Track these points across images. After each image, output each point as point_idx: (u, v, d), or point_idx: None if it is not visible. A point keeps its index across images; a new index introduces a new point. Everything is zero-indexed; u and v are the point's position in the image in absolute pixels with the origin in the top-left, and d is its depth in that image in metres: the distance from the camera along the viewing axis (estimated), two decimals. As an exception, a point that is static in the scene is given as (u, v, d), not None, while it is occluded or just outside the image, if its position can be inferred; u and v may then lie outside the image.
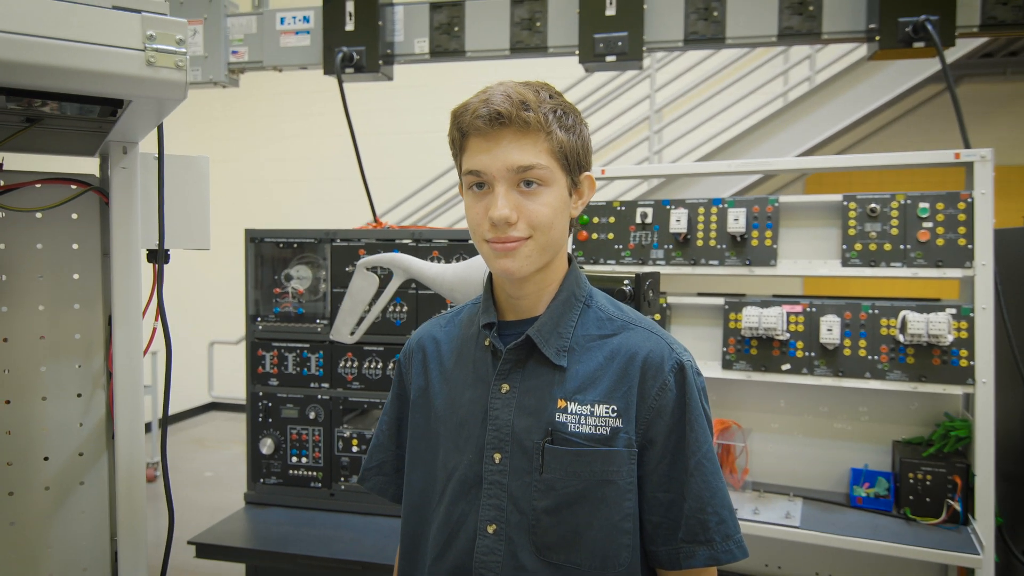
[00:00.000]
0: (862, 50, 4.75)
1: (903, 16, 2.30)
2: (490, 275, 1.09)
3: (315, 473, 2.53)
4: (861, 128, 5.28)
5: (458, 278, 1.60)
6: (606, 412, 0.97)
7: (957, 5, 2.29)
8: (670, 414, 0.99)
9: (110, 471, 1.35)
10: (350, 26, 2.68)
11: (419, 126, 6.57)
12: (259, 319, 2.57)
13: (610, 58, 2.49)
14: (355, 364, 2.49)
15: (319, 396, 2.52)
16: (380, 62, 2.72)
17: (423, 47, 2.79)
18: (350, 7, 2.68)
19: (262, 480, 2.58)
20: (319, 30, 2.76)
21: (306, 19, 2.82)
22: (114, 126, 1.01)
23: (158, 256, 1.17)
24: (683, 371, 1.00)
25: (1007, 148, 5.59)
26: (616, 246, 2.27)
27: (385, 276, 1.85)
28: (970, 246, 1.92)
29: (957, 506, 1.90)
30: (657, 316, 2.20)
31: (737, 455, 2.16)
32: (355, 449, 2.50)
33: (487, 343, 1.04)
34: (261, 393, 2.56)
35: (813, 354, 2.03)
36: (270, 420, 2.56)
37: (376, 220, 2.81)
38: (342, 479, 2.51)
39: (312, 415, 2.52)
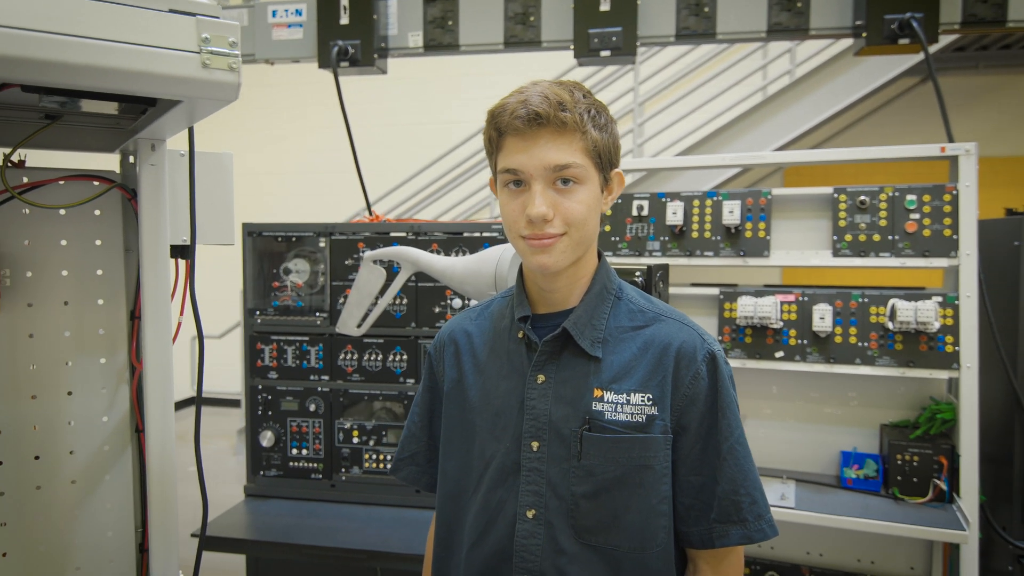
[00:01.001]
0: (840, 44, 4.86)
1: (889, 13, 2.38)
2: (521, 269, 1.13)
3: (316, 465, 2.55)
4: (838, 121, 5.38)
5: (468, 271, 1.63)
6: (642, 400, 1.01)
7: (940, 3, 2.37)
8: (703, 401, 1.03)
9: (134, 464, 1.37)
10: (345, 20, 2.69)
11: (406, 117, 6.58)
12: (257, 313, 2.58)
13: (605, 53, 2.54)
14: (355, 356, 2.52)
15: (319, 388, 2.54)
16: (375, 56, 2.73)
17: (417, 41, 2.81)
18: (345, 0, 2.69)
19: (262, 472, 2.59)
20: (312, 23, 2.76)
21: (298, 12, 2.82)
22: (149, 124, 1.03)
23: (189, 251, 1.19)
24: (715, 360, 1.05)
25: (980, 140, 5.73)
26: (613, 238, 2.32)
27: (390, 268, 1.88)
28: (955, 236, 2.00)
29: (943, 485, 1.99)
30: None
31: (732, 440, 2.22)
32: (355, 440, 2.53)
33: (520, 335, 1.08)
34: (260, 386, 2.58)
35: (805, 342, 2.10)
36: (270, 413, 2.57)
37: (372, 214, 2.83)
38: (343, 470, 2.54)
39: (312, 407, 2.54)
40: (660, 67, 5.60)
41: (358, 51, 2.70)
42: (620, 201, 2.31)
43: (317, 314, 2.54)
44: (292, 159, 7.13)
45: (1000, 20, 2.49)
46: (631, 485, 1.01)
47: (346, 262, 2.51)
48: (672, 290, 2.30)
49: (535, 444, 1.03)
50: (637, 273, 1.44)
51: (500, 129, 1.00)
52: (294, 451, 2.57)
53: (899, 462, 2.04)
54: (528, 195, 0.99)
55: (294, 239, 2.56)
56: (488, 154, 1.07)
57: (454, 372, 1.15)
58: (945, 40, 4.92)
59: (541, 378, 1.04)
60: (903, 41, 2.39)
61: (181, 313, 1.29)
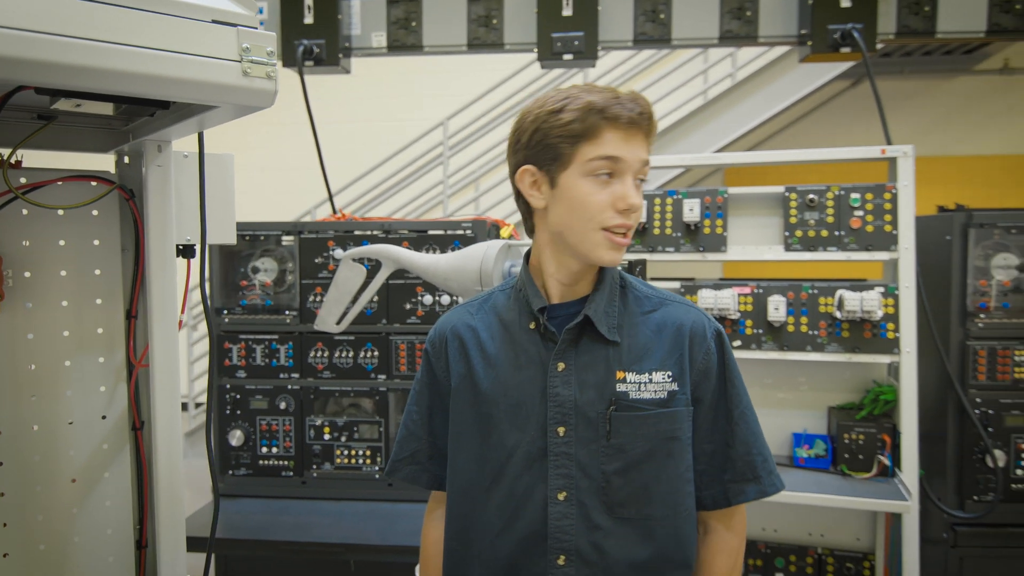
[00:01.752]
0: (778, 49, 5.09)
1: (832, 23, 2.54)
2: (527, 261, 1.18)
3: (286, 462, 2.57)
4: (776, 122, 5.64)
5: (453, 268, 1.69)
6: (663, 378, 1.10)
7: (878, 15, 2.55)
8: (715, 375, 1.14)
9: (132, 462, 1.38)
10: (309, 19, 2.70)
11: (361, 114, 6.54)
12: (225, 312, 2.57)
13: (567, 56, 2.63)
14: (326, 354, 2.54)
15: (289, 387, 2.56)
16: (339, 55, 2.75)
17: (381, 41, 2.84)
18: (309, 0, 2.70)
19: (231, 472, 2.59)
20: (275, 22, 2.76)
21: (261, 10, 2.81)
22: (161, 127, 1.06)
23: (191, 251, 1.22)
24: (721, 337, 1.17)
25: (904, 141, 6.10)
26: (579, 235, 2.41)
27: (373, 267, 1.93)
28: (895, 232, 2.17)
29: (886, 461, 2.16)
30: (619, 300, 2.36)
31: (694, 426, 2.35)
32: (327, 437, 2.55)
33: (532, 326, 1.13)
34: (228, 386, 2.57)
35: (761, 331, 2.24)
36: (238, 412, 2.57)
37: (336, 212, 2.85)
38: (314, 467, 2.56)
39: (283, 405, 2.55)
40: (608, 68, 5.75)
41: (323, 50, 2.71)
42: (585, 199, 2.40)
43: (286, 312, 2.55)
44: (245, 155, 6.99)
45: (930, 31, 2.69)
46: (660, 457, 1.09)
47: (316, 260, 2.53)
48: (635, 284, 2.41)
49: (561, 429, 1.08)
50: (619, 267, 1.53)
51: (607, 118, 1.03)
52: (264, 449, 2.58)
53: (846, 441, 2.20)
54: (619, 186, 1.04)
55: (262, 237, 2.56)
56: (555, 141, 1.05)
57: (461, 367, 1.17)
58: (880, 45, 5.21)
59: (561, 366, 1.09)
60: (844, 49, 2.57)
61: (182, 312, 1.32)
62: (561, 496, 1.07)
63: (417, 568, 1.34)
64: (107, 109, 1.11)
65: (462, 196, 6.16)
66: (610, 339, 1.10)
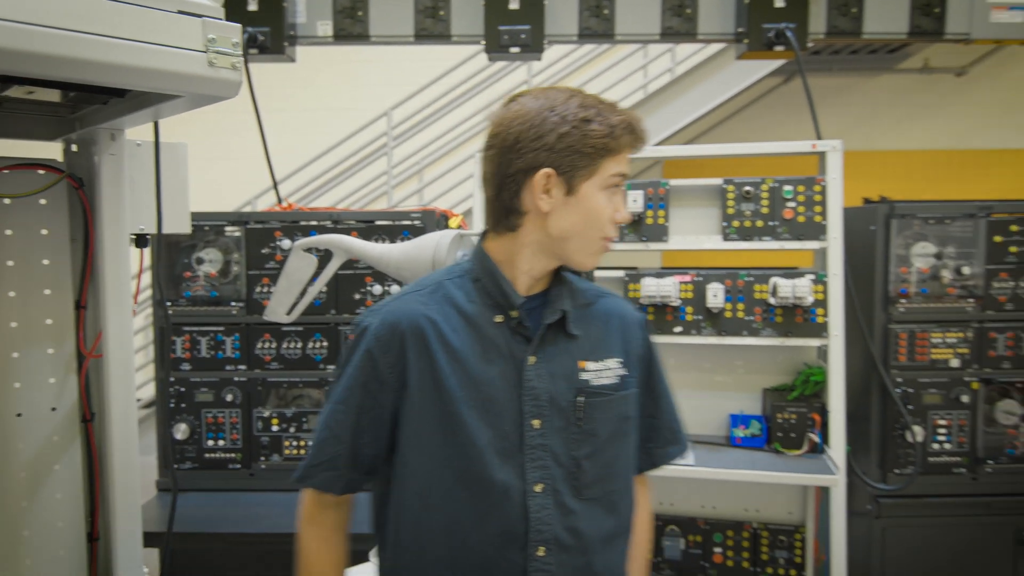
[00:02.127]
0: (715, 46, 5.25)
1: (766, 23, 2.66)
2: (486, 256, 1.17)
3: (234, 455, 2.55)
4: (713, 116, 5.81)
5: (406, 257, 1.72)
6: (615, 364, 1.18)
7: (809, 15, 2.67)
8: (648, 358, 1.26)
9: (83, 454, 1.37)
10: (253, 6, 2.66)
11: (302, 103, 6.42)
12: (168, 304, 2.53)
13: (514, 49, 2.67)
14: (273, 345, 2.53)
15: (235, 379, 2.53)
16: (284, 43, 2.72)
17: (327, 30, 2.82)
18: (252, -13, 2.66)
19: (176, 466, 2.55)
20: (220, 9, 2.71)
21: (201, -4, 2.76)
22: (116, 116, 1.05)
23: (144, 241, 1.22)
24: (647, 324, 1.28)
25: (833, 136, 6.37)
26: (526, 225, 2.46)
27: (322, 256, 1.93)
28: (824, 222, 2.30)
29: (816, 439, 2.29)
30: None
31: (638, 409, 2.44)
32: (275, 428, 2.54)
33: (499, 319, 1.14)
34: (173, 379, 2.53)
35: (700, 317, 2.34)
36: (183, 405, 2.54)
37: (281, 202, 2.83)
38: (262, 459, 2.55)
39: (229, 397, 2.53)
40: (552, 60, 5.81)
41: (268, 38, 2.68)
42: (533, 190, 2.46)
43: (232, 304, 2.53)
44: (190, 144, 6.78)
45: (857, 32, 2.84)
46: (620, 436, 1.17)
47: (262, 250, 2.51)
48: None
49: (536, 422, 1.11)
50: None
51: (638, 138, 1.12)
52: (210, 442, 2.55)
53: (779, 421, 2.33)
54: (618, 199, 1.13)
55: (205, 228, 2.52)
56: (586, 149, 1.09)
57: (422, 363, 1.12)
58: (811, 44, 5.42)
59: (533, 359, 1.13)
60: (778, 48, 2.68)
61: (135, 301, 1.31)
62: (538, 488, 1.10)
63: None
64: (57, 96, 1.10)
65: (407, 186, 6.14)
66: (572, 333, 1.16)
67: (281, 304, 1.98)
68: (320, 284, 1.95)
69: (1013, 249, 2.41)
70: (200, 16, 0.82)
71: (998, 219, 2.42)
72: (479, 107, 5.75)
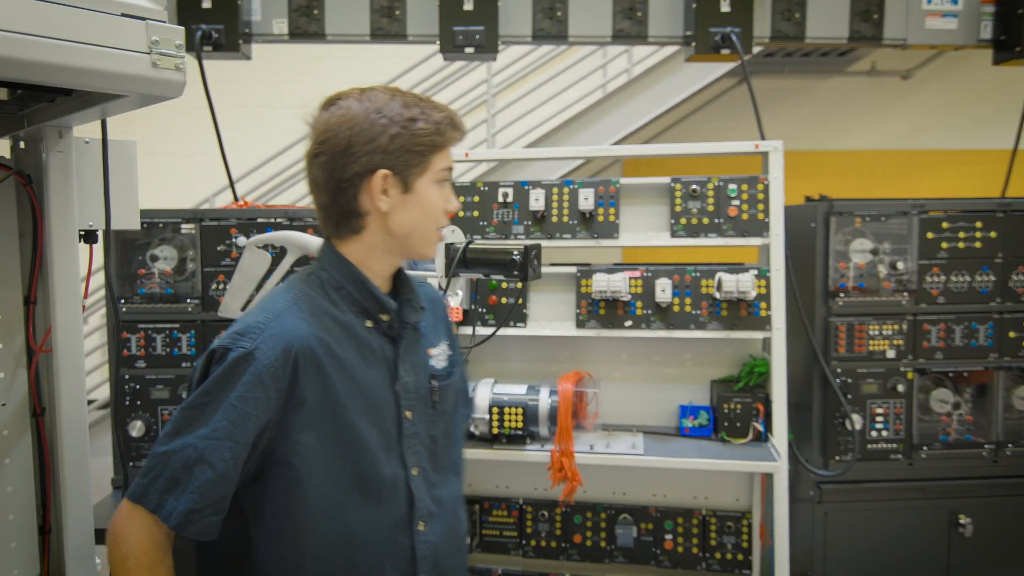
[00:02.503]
0: (671, 47, 5.36)
1: (713, 27, 2.75)
2: (347, 264, 1.19)
3: (190, 451, 2.55)
4: (670, 116, 5.93)
5: (358, 253, 1.76)
6: (445, 347, 1.32)
7: (754, 20, 2.77)
8: (454, 335, 1.42)
9: (34, 448, 1.39)
10: (207, 3, 2.67)
11: (258, 100, 6.37)
12: (122, 301, 2.52)
13: (468, 50, 2.72)
14: (230, 341, 2.53)
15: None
16: (239, 41, 2.73)
17: (282, 28, 2.84)
18: (207, -16, 2.66)
19: (132, 463, 2.54)
20: (173, 6, 2.71)
21: (155, -8, 2.75)
22: (63, 113, 1.08)
23: (93, 237, 1.24)
24: (448, 305, 1.43)
25: (784, 136, 6.53)
26: (481, 223, 2.51)
27: (277, 254, 1.96)
28: (767, 220, 2.39)
29: (760, 427, 2.39)
30: (519, 284, 2.48)
31: (590, 401, 2.51)
32: (232, 425, 2.55)
33: (369, 324, 1.18)
34: (127, 376, 2.52)
35: (650, 312, 2.42)
36: (138, 403, 2.53)
37: (237, 199, 2.83)
38: (219, 455, 2.55)
39: (185, 394, 2.52)
40: (512, 60, 5.86)
41: (222, 36, 2.68)
42: (487, 188, 2.51)
43: (188, 301, 2.53)
44: (140, 141, 6.67)
45: (800, 36, 2.95)
46: (455, 408, 1.32)
47: (218, 248, 2.51)
48: (535, 269, 2.54)
49: (409, 413, 1.21)
50: (515, 252, 1.64)
51: (460, 132, 1.20)
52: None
53: (725, 411, 2.42)
54: (448, 191, 1.20)
55: (160, 225, 2.52)
56: (417, 148, 1.14)
57: (317, 383, 1.11)
58: (757, 47, 5.57)
59: (401, 357, 1.22)
60: (724, 51, 2.77)
61: (85, 296, 1.33)
62: (415, 472, 1.20)
63: None
64: (3, 94, 1.11)
65: (368, 184, 6.13)
66: (420, 327, 1.28)
67: (236, 300, 2.01)
68: (274, 280, 1.97)
69: (944, 245, 2.53)
70: (144, 19, 0.86)
71: (930, 217, 2.54)
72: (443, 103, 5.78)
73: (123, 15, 0.82)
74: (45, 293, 1.31)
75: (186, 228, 2.54)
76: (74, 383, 1.25)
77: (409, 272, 1.32)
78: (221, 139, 2.78)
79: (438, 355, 1.29)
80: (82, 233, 1.27)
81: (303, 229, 2.50)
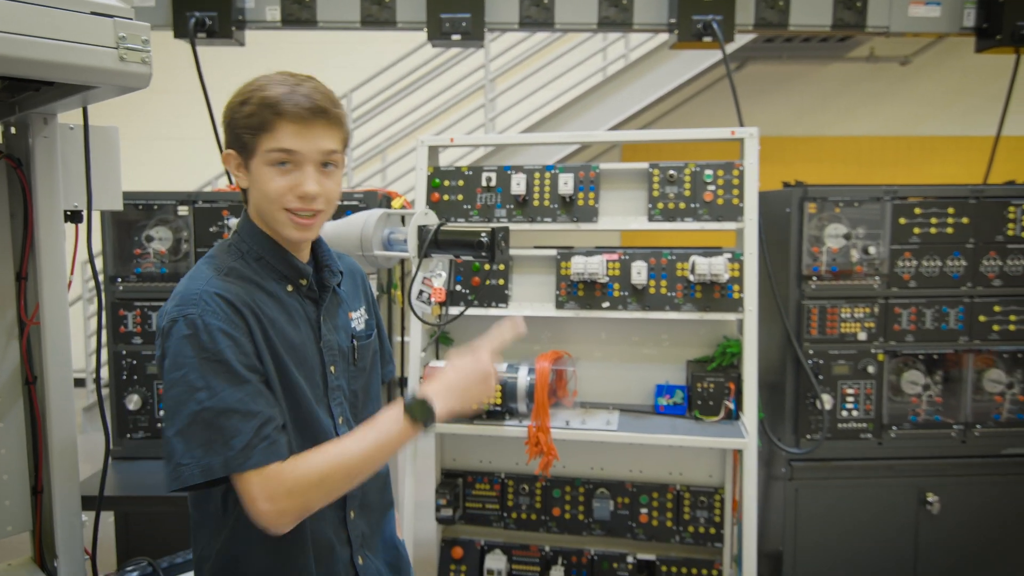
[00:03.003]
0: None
1: (696, 14, 2.80)
2: (264, 234, 1.26)
3: (185, 424, 2.65)
4: (668, 101, 5.96)
5: (337, 234, 1.84)
6: (364, 312, 1.44)
7: (736, 8, 2.82)
8: (374, 303, 1.51)
9: (25, 413, 1.48)
10: (201, -9, 2.74)
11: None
12: (119, 280, 2.62)
13: (455, 36, 2.78)
14: (222, 319, 2.63)
15: (186, 351, 2.63)
16: (232, 28, 2.80)
17: (275, 15, 2.91)
18: (200, -29, 2.73)
19: (129, 436, 2.66)
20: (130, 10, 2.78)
21: (151, -20, 2.82)
22: (47, 102, 1.16)
23: (78, 216, 1.33)
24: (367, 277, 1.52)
25: (783, 121, 6.57)
26: (465, 206, 2.59)
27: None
28: (741, 205, 2.45)
29: (731, 405, 2.47)
30: (502, 266, 2.57)
31: (569, 379, 2.60)
32: (225, 399, 2.65)
33: (291, 289, 1.27)
34: (124, 352, 2.63)
35: (627, 293, 2.49)
36: (135, 377, 2.64)
37: (230, 182, 2.91)
38: (213, 428, 2.66)
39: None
40: (510, 44, 5.91)
41: (215, 23, 2.76)
42: (471, 173, 2.59)
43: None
44: (148, 125, 6.77)
45: (784, 24, 3.00)
46: (374, 367, 1.45)
47: (211, 229, 2.61)
48: (517, 252, 2.62)
49: (333, 368, 1.32)
50: (483, 234, 1.72)
51: (279, 113, 1.15)
52: (161, 412, 2.65)
53: (699, 389, 2.50)
54: (299, 175, 1.18)
55: (156, 207, 2.61)
56: (241, 131, 1.17)
57: (259, 336, 1.19)
58: (745, 36, 5.58)
59: (323, 318, 1.33)
60: (707, 39, 2.83)
61: (71, 272, 1.43)
62: (341, 421, 1.32)
63: None
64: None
65: (369, 167, 6.22)
66: (340, 292, 1.38)
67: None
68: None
69: (917, 230, 2.59)
70: (111, 16, 0.94)
71: (903, 202, 2.60)
72: (437, 90, 5.84)
73: (92, 13, 0.90)
74: (35, 269, 1.40)
75: (182, 211, 2.63)
76: (61, 353, 1.34)
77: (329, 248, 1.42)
78: (215, 122, 2.86)
79: (357, 318, 1.40)
80: (68, 213, 1.36)
81: (293, 211, 2.59)
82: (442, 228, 1.85)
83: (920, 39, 6.14)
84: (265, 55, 6.15)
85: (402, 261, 2.66)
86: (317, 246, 1.35)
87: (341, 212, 2.58)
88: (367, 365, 1.40)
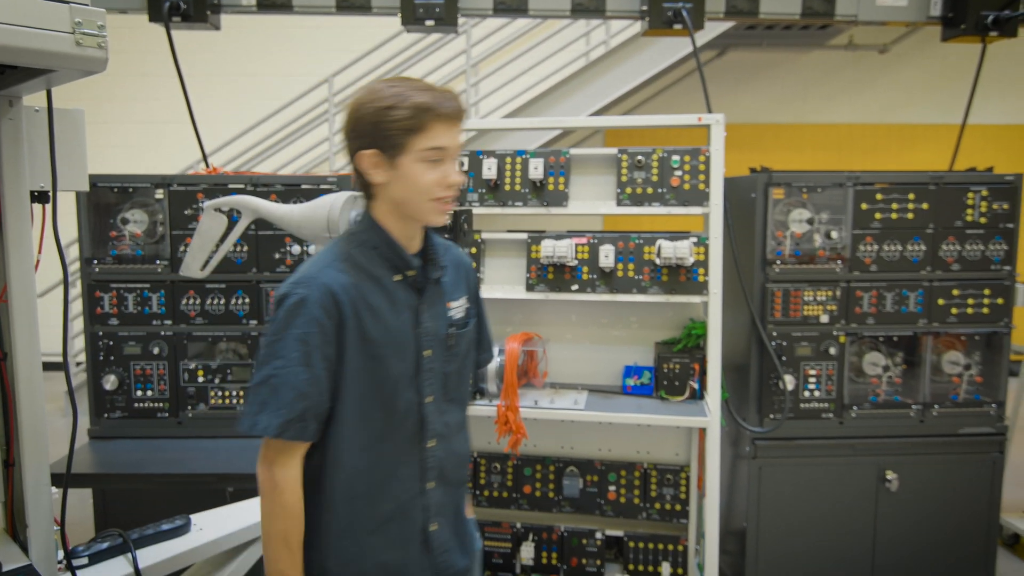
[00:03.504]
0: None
1: (666, 1, 2.84)
2: (377, 225, 1.42)
3: (162, 404, 2.70)
4: (652, 86, 5.99)
5: (304, 217, 1.88)
6: (464, 302, 1.56)
7: (706, -5, 2.86)
8: (478, 293, 1.65)
9: (-4, 390, 1.52)
10: (175, -26, 2.75)
11: (242, 67, 6.43)
12: (95, 262, 2.65)
13: (429, 22, 2.81)
14: (198, 301, 2.67)
15: (162, 332, 2.68)
16: (207, 12, 2.82)
17: (250, -1, 2.92)
18: (174, -45, 2.74)
19: (106, 415, 2.70)
20: (132, -21, 2.79)
21: (125, -37, 2.83)
22: (11, 85, 1.19)
23: (46, 197, 1.36)
24: (474, 267, 1.63)
25: (763, 109, 6.61)
26: (437, 190, 2.63)
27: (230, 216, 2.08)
28: (707, 190, 2.51)
29: (695, 386, 2.54)
30: (473, 250, 2.62)
31: (539, 360, 2.66)
32: (201, 379, 2.70)
33: (397, 278, 1.43)
34: (101, 333, 2.67)
35: (595, 276, 2.55)
36: (112, 358, 2.68)
37: (208, 166, 2.94)
38: (189, 408, 2.71)
39: (156, 350, 2.67)
40: (493, 30, 5.91)
41: (190, 6, 2.77)
42: (443, 157, 2.62)
43: (157, 262, 2.66)
44: (127, 108, 6.74)
45: (754, 12, 3.04)
46: (468, 353, 1.59)
47: (186, 212, 2.64)
48: (489, 235, 2.67)
49: (427, 352, 1.45)
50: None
51: (435, 116, 1.34)
52: (139, 392, 2.70)
53: (665, 370, 2.56)
54: (447, 168, 1.38)
55: (131, 190, 2.64)
56: (400, 132, 1.33)
57: (355, 321, 1.36)
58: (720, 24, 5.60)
59: (424, 306, 1.46)
60: (677, 26, 2.87)
61: (39, 252, 1.46)
62: (429, 399, 1.46)
63: (272, 543, 1.37)
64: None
65: (351, 153, 6.22)
66: (443, 283, 1.51)
67: (195, 260, 2.13)
68: (230, 242, 2.10)
69: (878, 216, 2.66)
70: (67, 2, 0.97)
71: (865, 188, 2.66)
72: (423, 73, 5.84)
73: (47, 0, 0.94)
74: (2, 249, 1.44)
75: (159, 194, 2.66)
76: (28, 332, 1.38)
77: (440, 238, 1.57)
78: (190, 106, 2.89)
79: (457, 307, 1.52)
80: (34, 194, 1.39)
81: (267, 195, 2.62)
82: (407, 211, 1.89)
83: (899, 28, 6.19)
84: (249, 39, 6.14)
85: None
86: (428, 241, 1.48)
87: (315, 195, 2.62)
88: (462, 351, 1.54)
